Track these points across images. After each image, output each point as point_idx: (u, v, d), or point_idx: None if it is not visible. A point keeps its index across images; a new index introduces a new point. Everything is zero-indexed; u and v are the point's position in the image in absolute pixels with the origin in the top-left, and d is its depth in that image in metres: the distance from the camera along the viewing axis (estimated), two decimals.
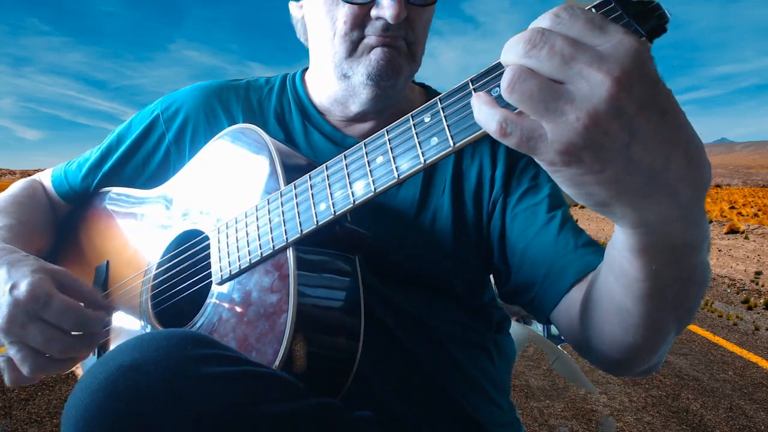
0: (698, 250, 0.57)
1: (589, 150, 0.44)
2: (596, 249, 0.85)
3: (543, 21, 0.46)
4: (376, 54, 0.84)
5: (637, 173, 0.46)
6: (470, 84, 0.55)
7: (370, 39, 0.84)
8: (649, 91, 0.44)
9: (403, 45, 0.86)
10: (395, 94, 0.92)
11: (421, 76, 1.00)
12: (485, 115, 0.48)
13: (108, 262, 1.03)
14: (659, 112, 0.44)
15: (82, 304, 0.78)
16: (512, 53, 0.45)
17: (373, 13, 0.82)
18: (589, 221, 16.20)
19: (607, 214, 0.51)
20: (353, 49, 0.85)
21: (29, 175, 1.18)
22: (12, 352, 0.74)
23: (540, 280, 0.86)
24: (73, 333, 0.76)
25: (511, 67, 0.45)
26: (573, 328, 0.82)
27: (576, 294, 0.81)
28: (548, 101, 0.44)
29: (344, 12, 0.83)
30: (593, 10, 0.49)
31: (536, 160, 0.47)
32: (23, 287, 0.73)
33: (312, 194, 0.71)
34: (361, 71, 0.86)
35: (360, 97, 0.90)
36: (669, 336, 0.68)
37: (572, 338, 0.84)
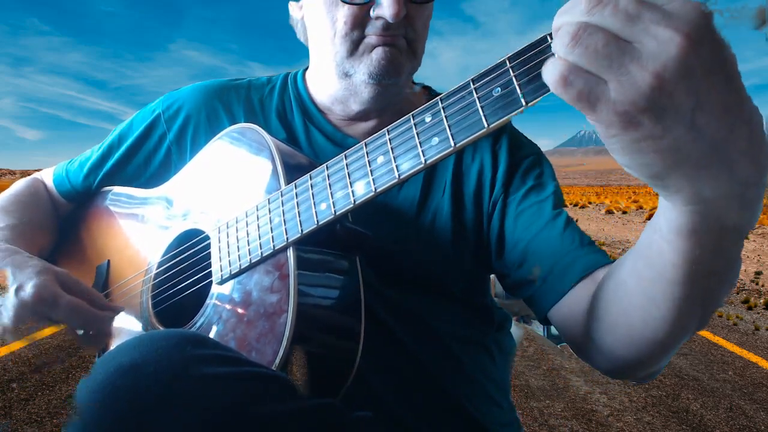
0: (741, 238, 0.54)
1: (652, 113, 0.41)
2: (601, 250, 0.85)
3: None
4: (377, 53, 0.84)
5: (699, 142, 0.43)
6: (471, 84, 0.55)
7: (371, 38, 0.84)
8: (717, 54, 0.41)
9: (403, 43, 0.85)
10: (397, 92, 0.92)
11: (421, 76, 1.00)
12: (548, 64, 0.45)
13: (109, 261, 1.03)
14: (726, 77, 0.42)
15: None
16: (570, 14, 0.43)
17: (373, 12, 0.82)
18: (589, 221, 16.21)
19: (660, 188, 0.48)
20: (354, 48, 0.85)
21: (29, 176, 1.18)
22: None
23: (544, 275, 0.86)
24: (80, 331, 0.76)
25: (575, 23, 0.42)
26: (574, 327, 0.80)
27: (581, 291, 0.80)
28: (613, 57, 0.41)
29: (344, 12, 0.83)
30: None
31: (592, 121, 0.45)
32: (29, 289, 0.73)
33: (312, 194, 0.71)
34: (362, 70, 0.86)
35: (361, 95, 0.90)
36: (686, 335, 0.65)
37: (571, 337, 0.82)
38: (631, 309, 0.66)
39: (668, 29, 0.40)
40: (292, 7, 0.99)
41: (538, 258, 0.86)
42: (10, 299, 0.74)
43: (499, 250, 0.92)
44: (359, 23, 0.83)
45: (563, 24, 0.44)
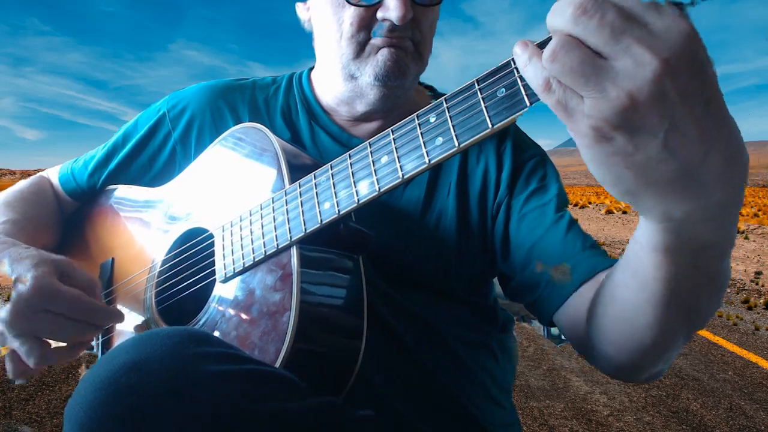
0: (723, 256, 0.54)
1: (624, 131, 0.42)
2: (603, 252, 0.85)
3: None
4: (383, 55, 0.84)
5: (671, 163, 0.43)
6: (476, 84, 0.55)
7: (377, 40, 0.84)
8: (696, 79, 0.41)
9: (409, 45, 0.86)
10: (402, 94, 0.93)
11: (421, 76, 1.00)
12: (534, 69, 0.46)
13: (113, 259, 1.04)
14: (704, 102, 0.42)
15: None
16: (560, 16, 0.43)
17: (379, 14, 0.82)
18: (590, 221, 16.20)
19: (633, 205, 0.49)
20: (360, 50, 0.85)
21: (29, 175, 1.18)
22: (16, 345, 0.74)
23: (547, 279, 0.86)
24: (79, 321, 0.76)
25: (557, 36, 0.43)
26: (578, 329, 0.81)
27: (584, 294, 0.81)
28: (589, 75, 0.42)
29: (350, 14, 0.83)
30: None
31: (569, 129, 0.46)
32: (27, 281, 0.73)
33: (316, 193, 0.71)
34: (368, 72, 0.86)
35: (367, 97, 0.91)
36: (677, 341, 0.66)
37: (577, 340, 0.83)
38: (620, 316, 0.67)
39: (648, 51, 0.40)
40: (299, 9, 0.99)
41: (542, 261, 0.87)
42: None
43: (505, 253, 0.92)
44: (365, 25, 0.83)
45: (550, 26, 0.44)
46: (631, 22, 0.41)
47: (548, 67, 0.43)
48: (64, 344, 0.77)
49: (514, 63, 0.52)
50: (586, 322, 0.77)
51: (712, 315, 0.64)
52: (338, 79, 0.92)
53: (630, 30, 0.41)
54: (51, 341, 0.77)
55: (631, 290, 0.63)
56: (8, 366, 0.79)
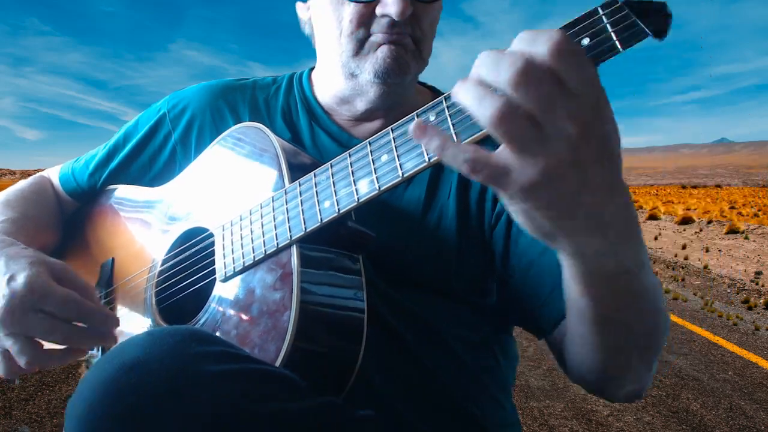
0: (636, 275, 0.62)
1: (546, 190, 0.48)
2: None
3: (535, 45, 0.46)
4: (383, 52, 0.84)
5: (580, 212, 0.51)
6: None
7: (377, 37, 0.84)
8: (604, 145, 0.48)
9: (409, 42, 0.85)
10: (402, 92, 0.92)
11: (420, 76, 1.00)
12: (452, 155, 0.50)
13: (113, 258, 1.04)
14: (609, 161, 0.49)
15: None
16: (498, 75, 0.46)
17: (379, 10, 0.82)
18: None
19: (551, 245, 0.57)
20: (360, 47, 0.85)
21: (29, 175, 1.18)
22: (8, 343, 0.74)
23: (545, 297, 0.85)
24: (74, 324, 0.76)
25: (500, 105, 0.46)
26: (558, 349, 0.86)
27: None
28: (526, 142, 0.47)
29: (350, 11, 0.83)
30: (600, 10, 0.49)
31: (496, 192, 0.51)
32: (21, 279, 0.72)
33: (317, 192, 0.71)
34: (368, 69, 0.86)
35: (368, 95, 0.91)
36: (630, 362, 0.74)
37: (559, 359, 0.88)
38: (573, 340, 0.77)
39: (570, 123, 0.46)
40: (300, 8, 0.99)
41: (538, 282, 0.86)
42: (1, 289, 0.73)
43: (504, 261, 0.91)
44: (365, 22, 0.83)
45: (483, 77, 0.48)
46: (559, 96, 0.46)
47: (493, 132, 0.47)
48: (58, 347, 0.77)
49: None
50: (563, 343, 0.84)
51: (656, 334, 0.73)
52: (338, 77, 0.92)
53: (559, 104, 0.46)
54: (43, 342, 0.76)
55: (573, 318, 0.72)
56: (0, 365, 0.79)
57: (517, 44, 0.48)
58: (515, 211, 0.53)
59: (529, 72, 0.45)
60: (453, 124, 0.57)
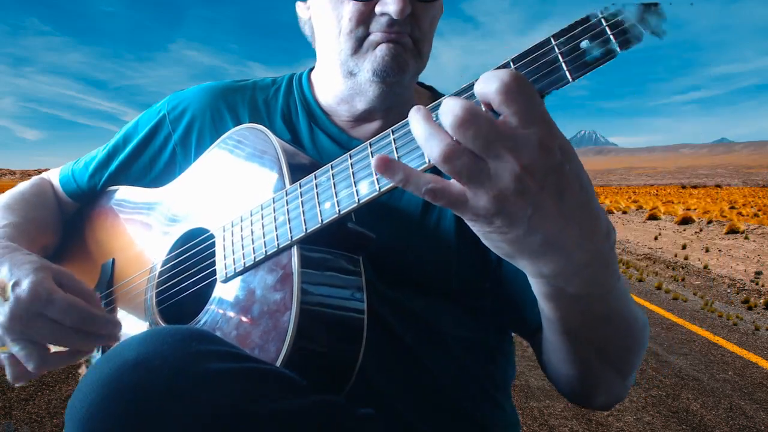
0: (604, 299, 0.65)
1: (499, 216, 0.53)
2: None
3: (488, 86, 0.51)
4: (382, 50, 0.84)
5: (536, 237, 0.55)
6: (475, 85, 0.55)
7: (375, 35, 0.84)
8: (551, 176, 0.53)
9: (408, 41, 0.86)
10: (402, 92, 0.93)
11: (420, 76, 1.00)
12: (414, 185, 0.55)
13: (114, 260, 1.04)
14: (558, 192, 0.53)
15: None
16: (444, 119, 0.52)
17: (378, 9, 0.83)
18: None
19: (513, 262, 0.61)
20: (358, 46, 0.86)
21: (29, 176, 1.19)
22: (15, 349, 0.74)
23: (530, 301, 0.83)
24: (77, 329, 0.76)
25: (443, 145, 0.52)
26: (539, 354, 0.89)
27: None
28: (472, 176, 0.52)
29: (349, 9, 0.84)
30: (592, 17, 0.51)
31: (460, 213, 0.56)
32: (25, 285, 0.73)
33: (317, 193, 0.72)
34: (366, 68, 0.86)
35: (366, 94, 0.91)
36: (603, 376, 0.78)
37: (540, 364, 0.90)
38: (548, 351, 0.81)
39: (513, 159, 0.51)
40: (300, 8, 0.99)
41: (525, 282, 0.87)
42: (6, 295, 0.74)
43: (498, 261, 0.91)
44: (364, 20, 0.84)
45: (440, 115, 0.53)
46: (500, 135, 0.51)
47: (441, 167, 0.53)
48: (64, 349, 0.78)
49: (513, 64, 0.55)
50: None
51: (628, 355, 0.76)
52: (338, 76, 0.92)
53: (500, 142, 0.51)
54: (51, 346, 0.77)
55: (544, 326, 0.76)
56: (7, 370, 0.79)
57: (477, 85, 0.53)
58: (477, 232, 0.58)
59: (468, 117, 0.50)
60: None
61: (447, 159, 0.52)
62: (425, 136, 0.54)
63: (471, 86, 0.57)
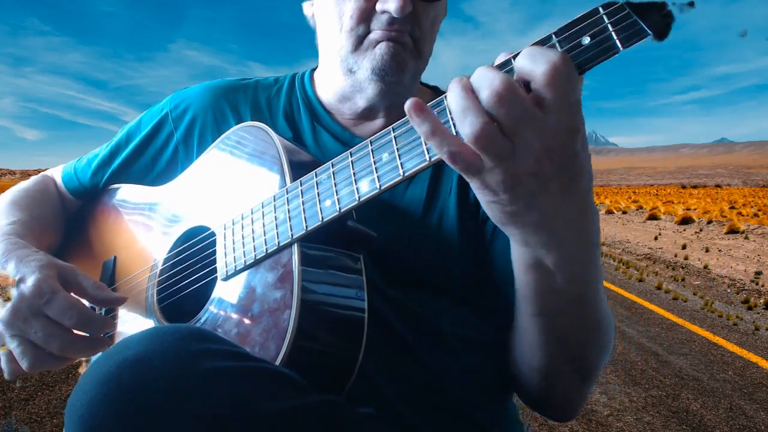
0: (578, 282, 0.69)
1: (507, 192, 0.57)
2: None
3: (535, 65, 0.51)
4: (381, 48, 0.85)
5: (532, 212, 0.59)
6: None
7: (376, 33, 0.85)
8: (567, 162, 0.55)
9: (408, 41, 0.86)
10: (402, 91, 0.93)
11: (421, 76, 1.00)
12: (438, 142, 0.55)
13: (115, 257, 1.04)
14: (569, 177, 0.57)
15: (86, 303, 0.79)
16: (482, 92, 0.52)
17: (379, 6, 0.83)
18: None
19: (503, 229, 0.65)
20: (359, 43, 0.86)
21: (29, 175, 1.19)
22: (13, 345, 0.75)
23: (512, 297, 0.85)
24: (75, 332, 0.76)
25: (480, 125, 0.53)
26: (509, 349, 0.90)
27: None
28: (497, 153, 0.54)
29: (351, 6, 0.84)
30: (600, 9, 0.50)
31: (472, 185, 0.59)
32: (30, 282, 0.74)
33: (318, 191, 0.72)
34: (365, 66, 0.86)
35: (366, 92, 0.91)
36: (564, 373, 0.80)
37: (508, 362, 0.91)
38: (518, 332, 0.83)
39: (536, 141, 0.52)
40: (305, 6, 1.00)
41: (510, 279, 0.87)
42: (10, 290, 0.75)
43: (487, 253, 0.91)
44: (365, 18, 0.84)
45: (475, 83, 0.54)
46: (530, 118, 0.52)
47: (472, 145, 0.54)
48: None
49: (512, 62, 0.55)
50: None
51: (594, 350, 0.78)
52: (338, 74, 0.92)
53: (528, 124, 0.52)
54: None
55: (518, 314, 0.79)
56: (4, 366, 0.80)
57: (520, 60, 0.52)
58: (480, 199, 0.61)
59: (506, 95, 0.51)
60: (454, 123, 0.57)
61: (480, 138, 0.53)
62: (461, 108, 0.54)
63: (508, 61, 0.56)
